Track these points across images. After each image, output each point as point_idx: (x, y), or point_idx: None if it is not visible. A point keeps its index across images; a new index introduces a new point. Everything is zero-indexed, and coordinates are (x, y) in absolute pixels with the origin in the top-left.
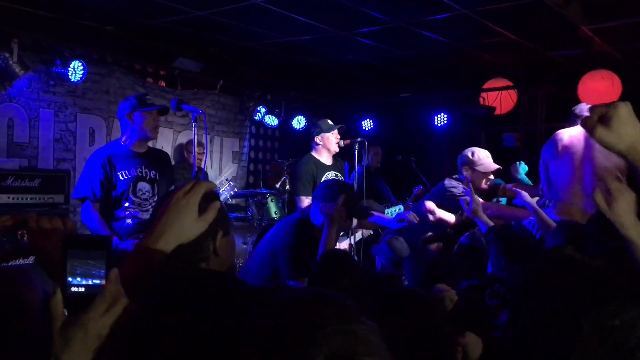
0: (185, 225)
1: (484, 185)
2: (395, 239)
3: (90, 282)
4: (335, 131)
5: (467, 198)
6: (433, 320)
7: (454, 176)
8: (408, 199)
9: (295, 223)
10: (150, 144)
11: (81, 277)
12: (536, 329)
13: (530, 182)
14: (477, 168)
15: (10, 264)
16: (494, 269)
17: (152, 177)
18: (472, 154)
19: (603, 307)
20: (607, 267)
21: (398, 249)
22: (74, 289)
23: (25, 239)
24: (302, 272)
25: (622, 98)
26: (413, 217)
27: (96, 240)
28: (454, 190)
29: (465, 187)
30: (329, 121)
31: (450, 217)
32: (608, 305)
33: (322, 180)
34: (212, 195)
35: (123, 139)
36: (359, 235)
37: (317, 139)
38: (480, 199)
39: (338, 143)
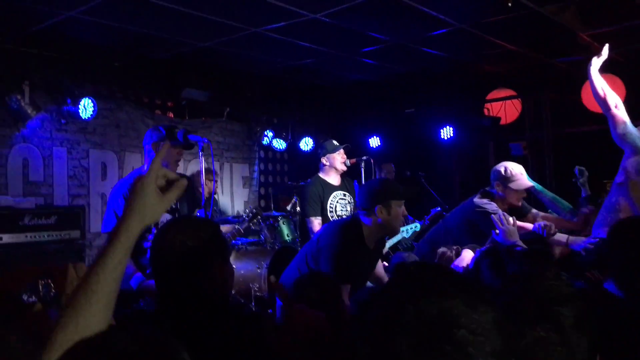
0: (147, 207)
1: (516, 202)
2: (409, 255)
3: None
4: (341, 150)
5: (497, 230)
6: None
7: (486, 188)
8: (426, 217)
9: (343, 224)
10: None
11: None
12: None
13: (539, 187)
14: (510, 185)
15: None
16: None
17: (173, 207)
18: (505, 170)
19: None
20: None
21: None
22: None
23: (52, 292)
24: (342, 277)
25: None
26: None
27: None
28: (485, 207)
29: (496, 203)
30: (334, 141)
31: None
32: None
33: (330, 200)
34: (207, 224)
35: (145, 168)
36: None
37: (324, 160)
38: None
39: (344, 162)
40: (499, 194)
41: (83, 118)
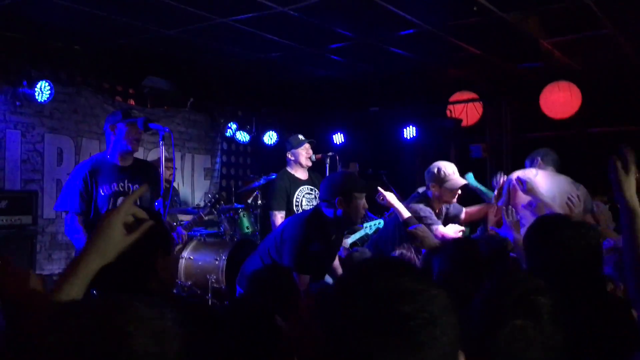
0: (109, 244)
1: (451, 200)
2: (360, 252)
3: None
4: (306, 145)
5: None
6: None
7: (421, 189)
8: (386, 213)
9: (307, 217)
10: (135, 155)
11: None
12: None
13: (484, 188)
14: (445, 185)
15: None
16: None
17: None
18: (439, 171)
19: None
20: None
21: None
22: None
23: None
24: (304, 268)
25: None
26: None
27: None
28: (419, 212)
29: (433, 203)
30: (300, 136)
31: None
32: None
33: (296, 194)
34: (150, 214)
35: (108, 152)
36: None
37: (289, 155)
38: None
39: (310, 157)
40: (435, 194)
41: (39, 101)
